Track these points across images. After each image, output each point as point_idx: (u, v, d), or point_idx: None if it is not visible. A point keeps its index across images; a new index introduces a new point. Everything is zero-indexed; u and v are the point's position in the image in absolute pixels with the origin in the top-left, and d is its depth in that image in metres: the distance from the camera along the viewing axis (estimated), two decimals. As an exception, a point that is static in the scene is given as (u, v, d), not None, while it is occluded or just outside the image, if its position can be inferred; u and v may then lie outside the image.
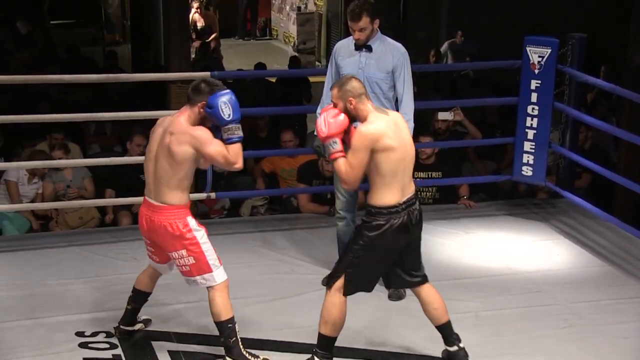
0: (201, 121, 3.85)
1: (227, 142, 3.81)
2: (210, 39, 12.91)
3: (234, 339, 3.93)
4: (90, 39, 14.13)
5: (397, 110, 4.68)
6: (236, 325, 3.94)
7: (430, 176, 6.28)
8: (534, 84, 5.95)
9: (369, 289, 3.93)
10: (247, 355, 3.95)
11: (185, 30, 6.77)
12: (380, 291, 4.65)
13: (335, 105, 3.85)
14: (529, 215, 6.16)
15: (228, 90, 3.85)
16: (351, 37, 4.72)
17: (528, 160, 6.07)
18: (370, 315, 4.53)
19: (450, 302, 4.66)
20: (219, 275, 3.93)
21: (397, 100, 4.76)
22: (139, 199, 4.22)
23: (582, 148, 6.68)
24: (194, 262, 3.89)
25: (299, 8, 14.97)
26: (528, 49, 5.94)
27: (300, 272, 5.14)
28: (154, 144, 3.90)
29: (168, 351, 4.16)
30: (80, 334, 4.29)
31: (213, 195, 5.83)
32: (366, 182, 3.90)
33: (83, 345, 4.20)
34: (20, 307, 4.59)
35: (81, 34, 14.65)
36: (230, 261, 5.26)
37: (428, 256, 5.30)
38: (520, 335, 4.43)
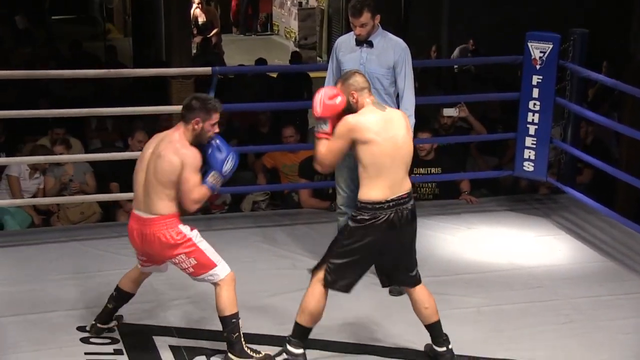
0: (194, 139, 3.89)
1: (204, 183, 3.88)
2: (211, 34, 12.91)
3: (237, 334, 3.94)
4: (90, 35, 14.12)
5: (398, 106, 4.69)
6: (240, 321, 3.95)
7: (429, 172, 6.28)
8: (535, 79, 5.93)
9: (348, 284, 3.90)
10: (248, 351, 3.96)
11: (186, 26, 6.80)
12: (380, 286, 4.67)
13: None
14: (531, 210, 6.16)
15: (235, 153, 3.98)
16: (352, 33, 4.72)
17: (529, 156, 6.06)
18: (371, 311, 4.53)
19: (452, 298, 4.69)
20: (223, 269, 3.96)
21: (398, 96, 4.76)
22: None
23: (583, 143, 6.67)
24: (196, 262, 3.92)
25: (300, 3, 14.97)
26: (529, 44, 5.93)
27: (301, 267, 5.12)
28: (146, 155, 3.93)
29: (169, 346, 4.16)
30: (81, 328, 4.29)
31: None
32: None
33: (84, 340, 4.21)
34: (22, 302, 4.59)
35: (82, 29, 14.65)
36: (231, 256, 5.25)
37: (430, 251, 5.32)
38: (521, 331, 4.43)
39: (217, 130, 3.92)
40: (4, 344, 4.17)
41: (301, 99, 9.21)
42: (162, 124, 6.59)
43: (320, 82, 5.03)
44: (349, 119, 3.79)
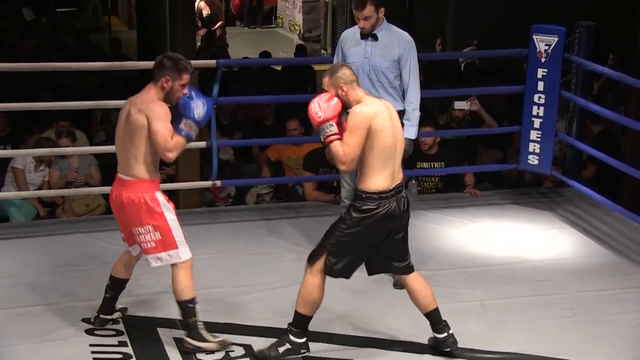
0: (165, 97, 3.88)
1: (178, 131, 3.85)
2: (215, 27, 12.89)
3: (194, 318, 3.95)
4: (94, 27, 14.13)
5: (404, 99, 4.69)
6: (197, 305, 3.95)
7: (432, 166, 6.27)
8: (540, 72, 5.92)
9: (348, 272, 3.92)
10: (204, 335, 3.97)
11: (190, 19, 6.77)
12: (384, 279, 4.68)
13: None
14: (535, 204, 6.15)
15: (210, 100, 3.99)
16: (357, 26, 4.71)
17: (534, 149, 6.05)
18: (375, 304, 4.54)
19: (456, 291, 4.69)
20: (184, 252, 3.93)
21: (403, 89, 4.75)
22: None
23: (591, 132, 6.64)
24: (160, 237, 3.89)
25: (304, -4, 14.95)
26: (535, 37, 5.91)
27: (305, 260, 5.13)
28: (122, 120, 3.92)
29: (174, 338, 4.17)
30: (86, 320, 4.30)
31: (218, 183, 5.84)
32: None
33: (89, 332, 4.22)
34: (27, 293, 4.61)
35: (85, 21, 14.67)
36: (235, 249, 5.29)
37: (434, 245, 5.33)
38: (525, 324, 4.43)
39: (186, 91, 3.89)
40: (9, 335, 4.18)
41: (305, 91, 9.19)
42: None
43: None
44: (358, 109, 3.78)
